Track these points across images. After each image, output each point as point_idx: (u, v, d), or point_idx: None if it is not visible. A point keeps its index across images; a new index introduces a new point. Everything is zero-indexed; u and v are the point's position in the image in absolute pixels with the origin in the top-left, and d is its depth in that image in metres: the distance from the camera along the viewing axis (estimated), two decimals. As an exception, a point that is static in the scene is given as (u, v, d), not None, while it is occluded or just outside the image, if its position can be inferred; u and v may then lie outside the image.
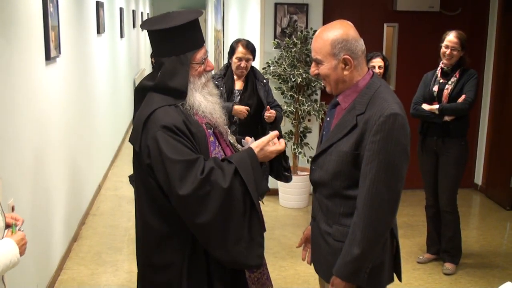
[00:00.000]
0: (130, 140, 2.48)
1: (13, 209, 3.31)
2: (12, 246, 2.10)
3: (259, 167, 2.49)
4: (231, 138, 2.77)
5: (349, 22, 2.42)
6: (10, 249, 2.09)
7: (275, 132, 2.61)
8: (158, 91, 2.46)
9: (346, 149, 2.32)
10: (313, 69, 2.44)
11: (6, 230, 2.18)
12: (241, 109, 4.37)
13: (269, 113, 4.45)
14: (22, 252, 2.15)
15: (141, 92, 2.55)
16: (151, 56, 2.59)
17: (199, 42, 2.50)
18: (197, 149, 2.38)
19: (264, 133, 4.54)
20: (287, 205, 6.36)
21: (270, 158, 2.59)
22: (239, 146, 2.76)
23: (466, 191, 6.88)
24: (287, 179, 4.50)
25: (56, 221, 4.52)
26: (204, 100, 2.50)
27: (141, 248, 2.60)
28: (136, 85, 2.62)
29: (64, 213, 4.79)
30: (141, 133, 2.37)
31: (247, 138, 2.75)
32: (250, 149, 2.51)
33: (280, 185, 6.37)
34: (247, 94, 4.52)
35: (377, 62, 4.91)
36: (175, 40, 2.42)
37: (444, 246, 4.78)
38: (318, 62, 2.39)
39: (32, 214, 3.84)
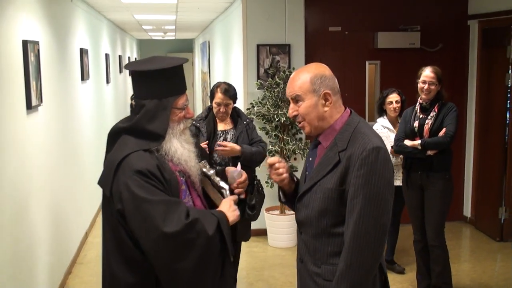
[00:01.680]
0: (99, 183, 2.41)
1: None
2: None
3: (230, 228, 2.44)
4: (210, 170, 2.72)
5: (324, 64, 2.47)
6: None
7: (235, 197, 2.60)
8: (133, 133, 2.41)
9: (330, 186, 2.32)
10: (291, 111, 2.44)
11: None
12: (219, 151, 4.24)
13: (221, 148, 4.21)
14: None
15: (115, 134, 2.49)
16: (131, 98, 2.55)
17: (182, 88, 2.49)
18: (169, 195, 2.33)
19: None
20: (276, 245, 6.31)
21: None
22: (217, 178, 2.69)
23: (455, 224, 6.88)
24: (251, 218, 4.38)
25: (41, 271, 4.46)
26: (180, 147, 2.46)
27: None
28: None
29: (49, 263, 4.72)
30: (112, 177, 2.32)
31: (231, 168, 2.71)
32: (222, 212, 2.46)
33: (268, 225, 6.34)
34: (241, 136, 4.46)
35: (394, 97, 5.24)
36: (159, 83, 2.40)
37: (434, 281, 4.73)
38: (298, 100, 2.40)
39: (15, 265, 3.79)
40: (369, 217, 2.22)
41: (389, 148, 5.03)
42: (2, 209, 3.58)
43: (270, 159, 2.54)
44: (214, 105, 4.43)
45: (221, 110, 4.40)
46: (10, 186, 3.77)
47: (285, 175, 2.54)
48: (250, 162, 4.33)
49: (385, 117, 5.35)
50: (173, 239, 2.21)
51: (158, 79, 2.40)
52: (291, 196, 2.64)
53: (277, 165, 2.52)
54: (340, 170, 2.31)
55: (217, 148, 4.21)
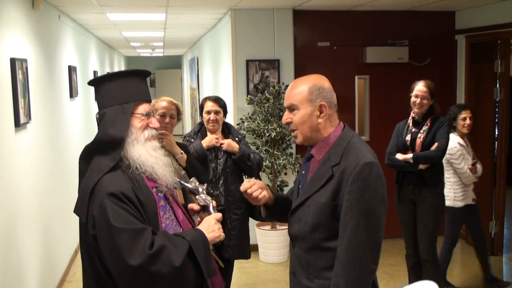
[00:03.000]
0: (75, 211, 2.35)
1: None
2: None
3: (209, 249, 2.36)
4: (199, 188, 2.67)
5: (324, 77, 2.48)
6: None
7: (219, 215, 2.53)
8: (100, 148, 2.36)
9: (324, 200, 2.32)
10: (286, 117, 2.45)
11: None
12: (210, 139, 4.34)
13: (226, 144, 4.35)
14: None
15: (85, 156, 2.43)
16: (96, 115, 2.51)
17: (143, 96, 2.47)
18: (144, 218, 2.25)
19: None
20: (267, 260, 6.27)
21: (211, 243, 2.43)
22: (203, 196, 2.62)
23: (446, 238, 6.85)
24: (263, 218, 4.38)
25: (30, 290, 4.40)
26: (145, 153, 2.38)
27: None
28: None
29: (38, 281, 4.66)
30: (87, 202, 2.25)
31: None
32: (201, 231, 2.38)
33: (259, 240, 6.30)
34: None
35: (468, 113, 5.08)
36: (118, 89, 2.40)
37: (427, 296, 4.71)
38: (293, 109, 2.41)
39: (4, 282, 3.73)
40: (362, 232, 2.22)
41: (466, 167, 4.94)
42: (-10, 228, 3.53)
43: (241, 186, 2.51)
44: (204, 115, 4.42)
45: (212, 118, 4.37)
46: (-2, 205, 3.72)
47: (262, 195, 2.51)
48: (244, 164, 4.39)
49: (455, 133, 5.09)
50: (137, 272, 2.13)
51: (117, 86, 2.41)
52: (272, 210, 2.63)
53: (248, 191, 2.49)
54: (333, 184, 2.30)
55: (225, 146, 4.34)
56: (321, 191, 2.34)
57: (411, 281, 4.89)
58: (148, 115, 2.44)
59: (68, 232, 6.24)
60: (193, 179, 2.73)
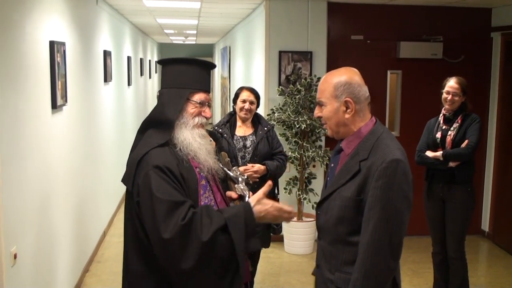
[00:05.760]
0: (122, 180, 2.48)
1: (15, 256, 3.31)
2: None
3: (253, 223, 2.37)
4: (239, 177, 2.76)
5: (355, 69, 2.49)
6: None
7: (269, 183, 2.51)
8: (154, 123, 2.51)
9: (349, 195, 2.34)
10: (316, 111, 2.51)
11: None
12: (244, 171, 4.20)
13: (250, 172, 4.23)
14: None
15: (142, 129, 2.58)
16: (157, 92, 2.67)
17: (203, 85, 2.59)
18: (186, 193, 2.37)
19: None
20: (292, 251, 6.31)
21: (267, 219, 2.46)
22: (241, 186, 2.69)
23: (473, 238, 6.80)
24: (274, 231, 4.52)
25: (60, 268, 4.51)
26: (191, 138, 2.50)
27: None
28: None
29: (68, 261, 4.78)
30: (134, 172, 2.38)
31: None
32: (248, 204, 2.42)
33: (285, 231, 6.34)
34: (261, 143, 4.48)
35: None
36: (180, 74, 2.54)
37: (452, 293, 4.70)
38: (322, 104, 2.45)
39: (36, 262, 3.84)
40: (384, 229, 2.23)
41: None
42: (26, 206, 3.63)
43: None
44: (239, 102, 4.50)
45: (246, 107, 4.47)
46: (34, 183, 3.82)
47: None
48: (275, 176, 4.45)
49: None
50: (170, 244, 2.22)
51: (180, 71, 2.55)
52: None
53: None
54: (359, 179, 2.32)
55: (247, 172, 4.19)
56: (347, 185, 2.36)
57: (436, 278, 4.88)
58: (202, 104, 2.56)
59: (98, 213, 6.38)
60: (235, 167, 2.84)
